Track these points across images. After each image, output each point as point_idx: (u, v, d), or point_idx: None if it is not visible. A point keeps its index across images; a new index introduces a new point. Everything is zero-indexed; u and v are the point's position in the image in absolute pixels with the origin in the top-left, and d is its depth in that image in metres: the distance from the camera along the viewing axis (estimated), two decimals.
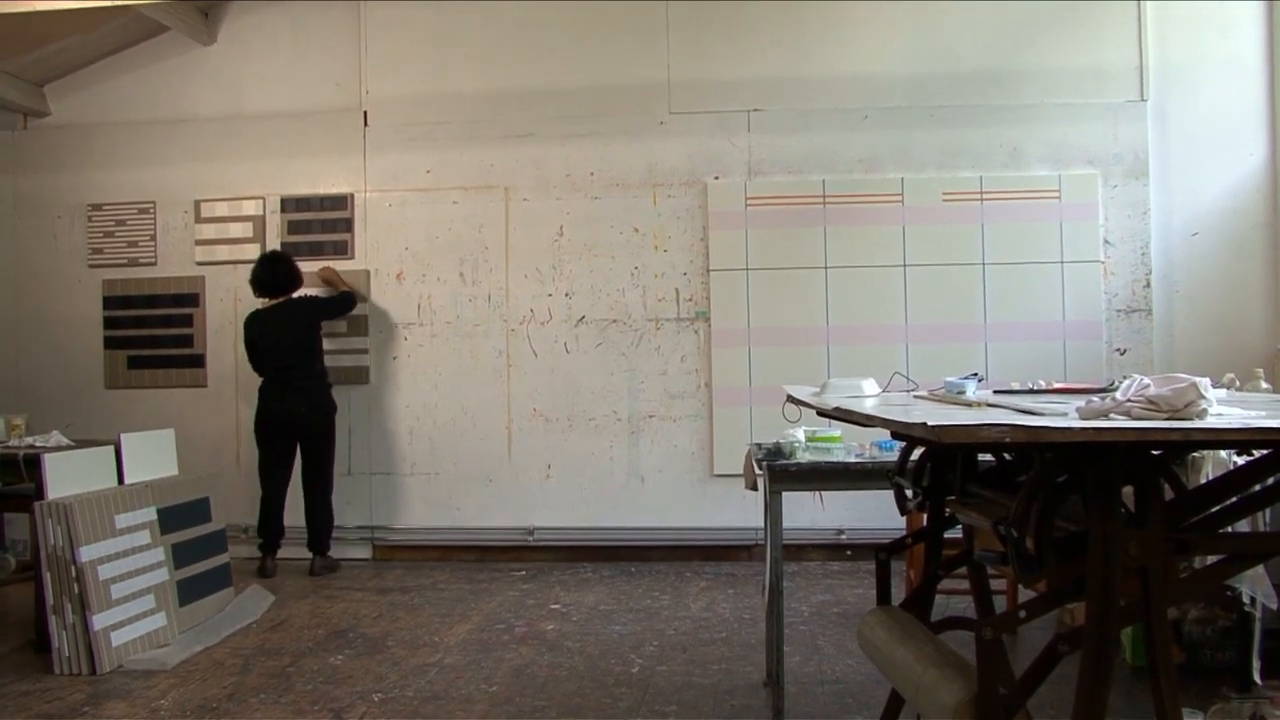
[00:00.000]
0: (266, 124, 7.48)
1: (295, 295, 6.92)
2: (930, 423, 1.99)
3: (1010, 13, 6.99)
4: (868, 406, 2.70)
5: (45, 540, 4.73)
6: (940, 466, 3.03)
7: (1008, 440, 1.98)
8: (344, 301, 7.05)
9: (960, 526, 3.01)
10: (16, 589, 6.23)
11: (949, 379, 2.96)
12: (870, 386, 3.30)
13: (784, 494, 4.05)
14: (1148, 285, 6.83)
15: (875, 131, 7.01)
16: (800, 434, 4.29)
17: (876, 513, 6.31)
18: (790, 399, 3.40)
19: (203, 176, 7.50)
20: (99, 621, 4.72)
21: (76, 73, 7.70)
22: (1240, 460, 3.29)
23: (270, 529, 6.82)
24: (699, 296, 7.05)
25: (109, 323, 7.57)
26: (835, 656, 4.84)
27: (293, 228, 7.41)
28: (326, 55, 7.46)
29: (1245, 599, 3.87)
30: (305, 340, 6.81)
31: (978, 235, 6.88)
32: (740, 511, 6.79)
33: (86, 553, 4.73)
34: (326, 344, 7.08)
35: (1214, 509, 2.36)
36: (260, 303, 6.90)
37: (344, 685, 4.54)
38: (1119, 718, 3.79)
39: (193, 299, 7.49)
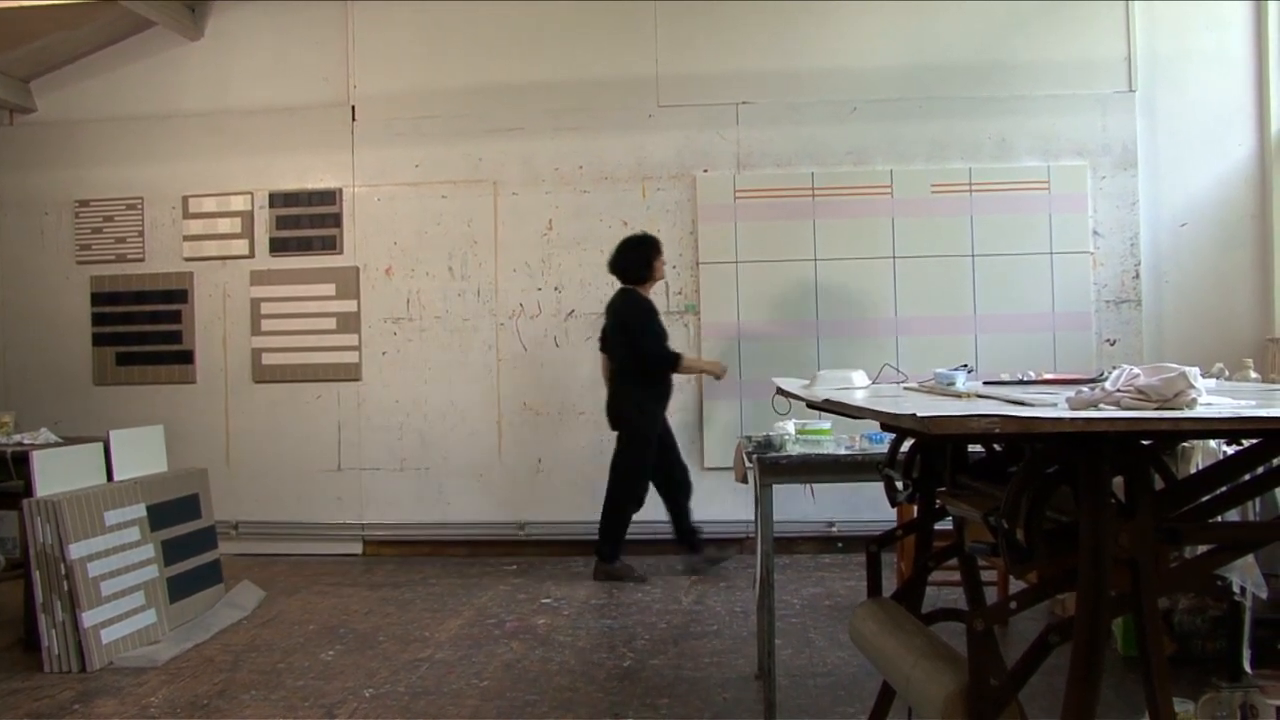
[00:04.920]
0: (254, 119, 7.45)
1: (639, 288, 6.53)
2: (920, 414, 1.99)
3: (998, 4, 6.99)
4: (858, 398, 2.70)
5: (34, 538, 4.72)
6: (930, 458, 3.03)
7: (997, 431, 1.97)
8: (653, 347, 6.39)
9: (951, 518, 3.01)
10: (6, 587, 6.21)
11: (939, 370, 2.95)
12: (860, 378, 3.30)
13: (774, 487, 4.04)
14: (1137, 276, 6.85)
15: (864, 124, 7.01)
16: (790, 427, 4.30)
17: (867, 505, 6.33)
18: (780, 391, 3.40)
19: (190, 172, 7.48)
20: (89, 619, 4.71)
21: (63, 69, 7.67)
22: (1230, 450, 3.29)
23: (675, 524, 6.64)
24: (688, 289, 7.05)
25: (97, 319, 7.55)
26: (827, 649, 4.84)
27: (281, 223, 7.39)
28: (314, 50, 7.44)
29: (1235, 589, 3.87)
30: (617, 333, 6.49)
31: (967, 227, 6.89)
32: (731, 505, 6.80)
33: (76, 550, 4.72)
34: (316, 339, 7.08)
35: (1204, 498, 2.36)
36: None
37: (335, 681, 4.53)
38: (1110, 708, 3.81)
39: (181, 295, 7.47)
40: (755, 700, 4.16)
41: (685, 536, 6.59)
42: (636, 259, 6.47)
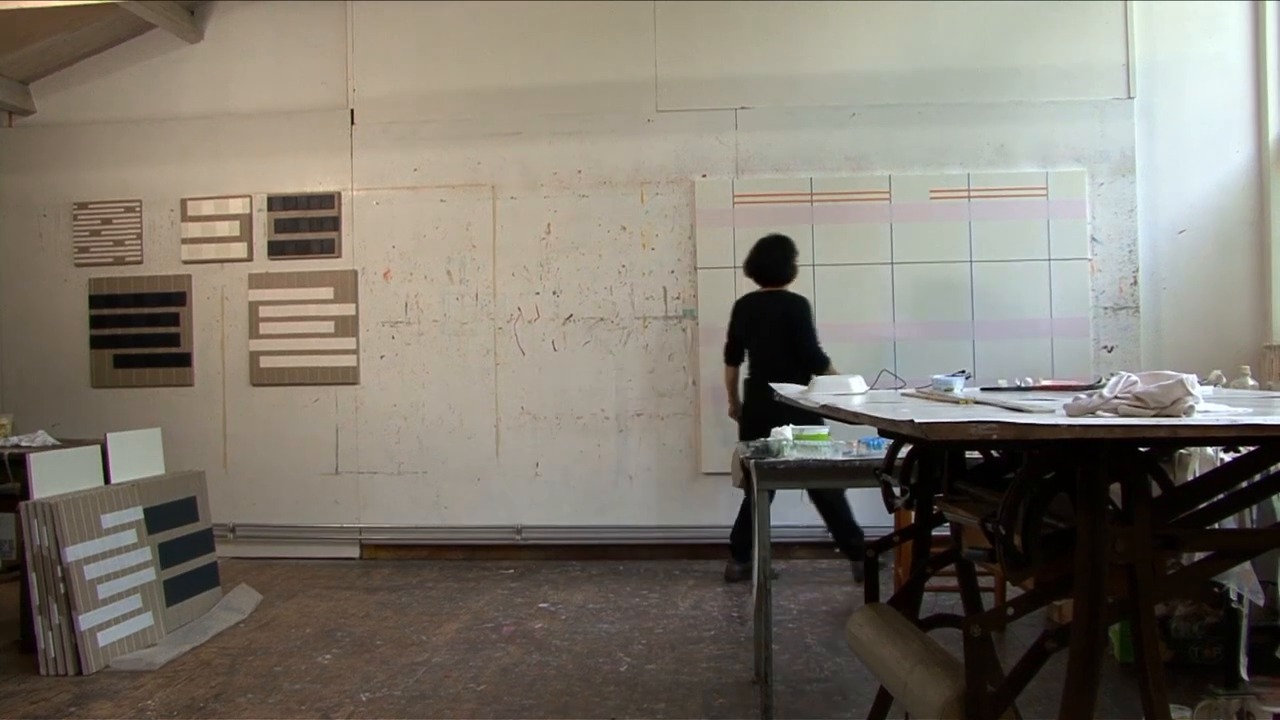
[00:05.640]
0: (253, 122, 7.45)
1: (789, 289, 6.36)
2: (918, 420, 1.99)
3: (997, 10, 6.99)
4: (855, 404, 2.70)
5: (31, 540, 4.71)
6: (928, 464, 3.03)
7: (995, 438, 1.97)
8: (815, 349, 6.16)
9: (948, 524, 3.01)
10: (2, 589, 6.21)
11: (936, 376, 2.95)
12: (858, 384, 3.30)
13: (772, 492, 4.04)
14: (1135, 282, 6.85)
15: (863, 129, 7.01)
16: (788, 432, 4.30)
17: (865, 510, 6.32)
18: (777, 397, 3.41)
19: (189, 175, 7.48)
20: (85, 622, 4.70)
21: (62, 71, 7.67)
22: (1227, 457, 3.30)
23: (737, 531, 6.41)
24: (686, 294, 7.05)
25: (95, 321, 7.54)
26: (824, 654, 4.84)
27: (279, 226, 7.38)
28: (313, 53, 7.44)
29: (1232, 595, 3.88)
30: (782, 335, 6.21)
31: (965, 233, 6.89)
32: (728, 510, 6.78)
33: (72, 553, 4.71)
34: (314, 343, 7.11)
35: (1201, 505, 2.36)
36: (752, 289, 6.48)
37: (332, 685, 4.53)
38: (1107, 715, 3.81)
39: (179, 298, 7.46)
40: (752, 705, 4.16)
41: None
42: (782, 257, 6.33)
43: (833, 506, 6.30)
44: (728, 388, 6.58)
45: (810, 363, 6.09)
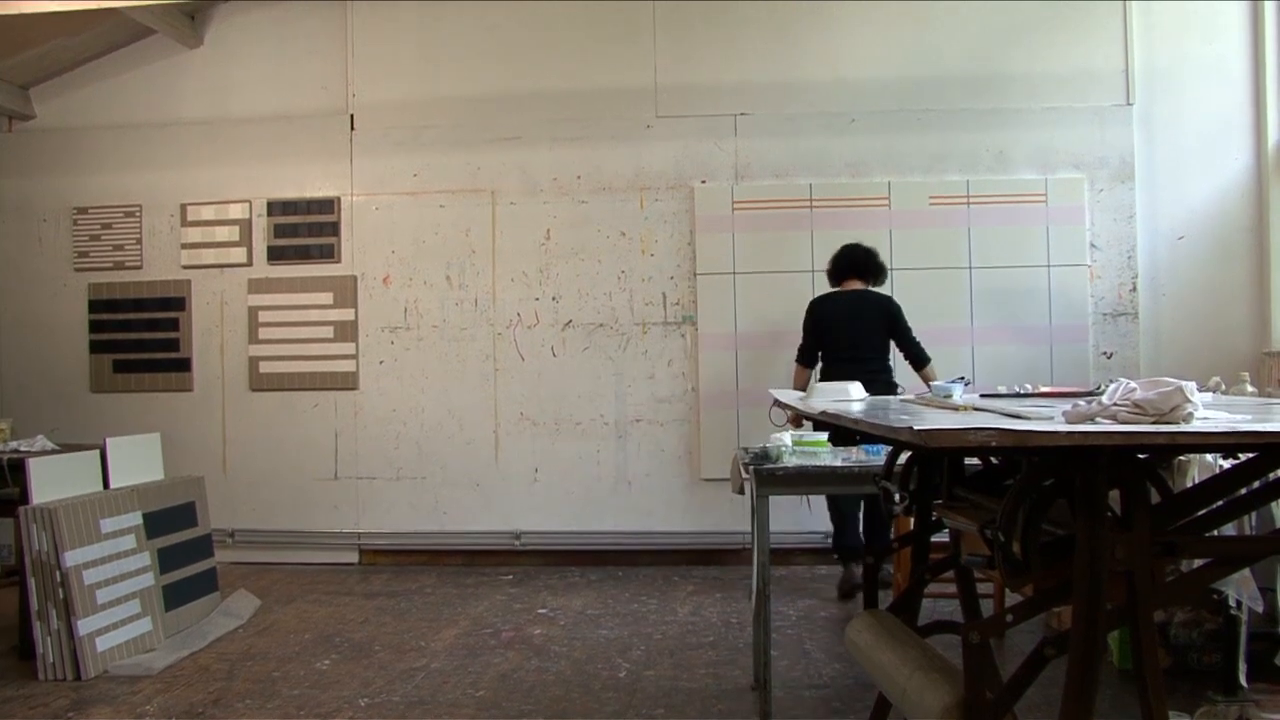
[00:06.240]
0: (253, 127, 7.45)
1: (874, 288, 6.28)
2: (917, 427, 1.99)
3: (996, 17, 7.00)
4: (855, 411, 2.70)
5: (30, 545, 4.70)
6: (927, 470, 3.03)
7: (994, 444, 1.97)
8: (920, 345, 6.15)
9: (947, 530, 3.01)
10: (1, 594, 6.19)
11: (936, 382, 2.96)
12: (857, 390, 3.30)
13: (771, 498, 4.04)
14: (1134, 289, 6.85)
15: (862, 135, 7.01)
16: (787, 437, 4.29)
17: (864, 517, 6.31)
18: (777, 403, 3.41)
19: (189, 180, 7.48)
20: (84, 627, 4.69)
21: (62, 76, 7.67)
22: (1226, 464, 3.30)
23: (843, 536, 6.15)
24: (686, 300, 7.05)
25: (95, 326, 7.54)
26: (823, 661, 4.84)
27: (279, 231, 7.38)
28: (313, 59, 7.44)
29: (1231, 602, 3.88)
30: (877, 333, 6.14)
31: (964, 239, 6.89)
32: (727, 515, 6.79)
33: (71, 558, 4.71)
34: (314, 348, 7.10)
35: (1200, 512, 2.36)
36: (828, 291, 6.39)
37: (330, 690, 4.52)
38: None
39: (179, 303, 7.46)
40: (751, 711, 4.15)
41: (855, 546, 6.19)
42: (876, 259, 6.25)
43: (878, 520, 6.04)
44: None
45: (920, 356, 6.10)
